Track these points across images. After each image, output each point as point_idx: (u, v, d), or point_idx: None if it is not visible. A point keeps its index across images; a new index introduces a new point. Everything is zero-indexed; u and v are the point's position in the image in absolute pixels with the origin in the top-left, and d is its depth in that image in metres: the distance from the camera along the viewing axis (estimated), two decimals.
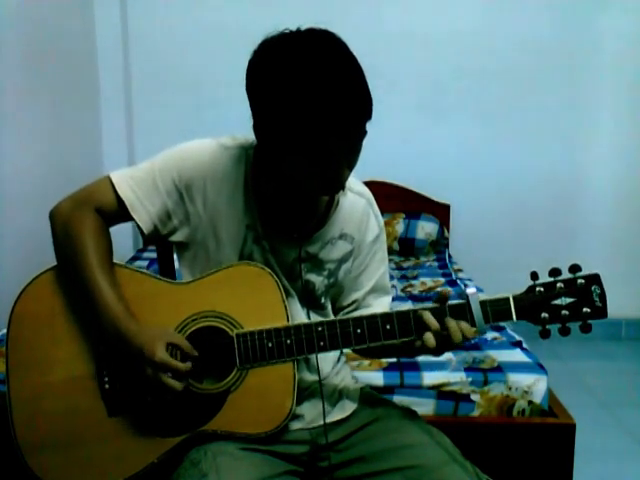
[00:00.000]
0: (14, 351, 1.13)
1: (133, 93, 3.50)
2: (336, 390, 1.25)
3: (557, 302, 1.05)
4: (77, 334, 1.13)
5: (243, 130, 1.13)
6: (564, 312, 1.05)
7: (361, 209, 1.23)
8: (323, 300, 1.23)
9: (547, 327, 1.06)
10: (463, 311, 1.06)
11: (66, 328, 1.13)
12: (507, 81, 3.43)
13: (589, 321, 1.05)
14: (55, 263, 1.15)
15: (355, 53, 0.99)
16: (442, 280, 2.88)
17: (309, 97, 0.93)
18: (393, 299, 1.33)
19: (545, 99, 3.44)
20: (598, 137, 3.48)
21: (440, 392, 1.71)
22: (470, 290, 1.07)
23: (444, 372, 1.74)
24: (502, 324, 2.10)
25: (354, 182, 1.23)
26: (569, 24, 3.38)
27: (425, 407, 1.68)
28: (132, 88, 3.50)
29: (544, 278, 1.06)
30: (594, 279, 1.05)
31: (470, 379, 1.72)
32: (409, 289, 2.75)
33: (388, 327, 1.08)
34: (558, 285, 1.05)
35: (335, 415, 1.23)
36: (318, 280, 1.20)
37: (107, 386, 1.11)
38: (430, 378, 1.72)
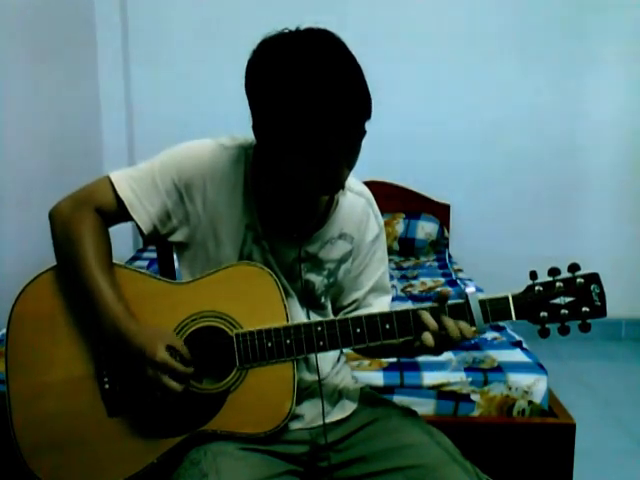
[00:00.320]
0: (14, 351, 1.13)
1: (133, 93, 3.50)
2: (336, 390, 1.25)
3: (556, 301, 1.05)
4: (77, 334, 1.13)
5: (242, 129, 1.13)
6: (563, 311, 1.05)
7: (361, 209, 1.23)
8: (323, 300, 1.23)
9: (546, 326, 1.06)
10: (462, 311, 1.06)
11: (66, 328, 1.13)
12: (505, 77, 3.44)
13: (588, 320, 1.05)
14: (55, 263, 1.15)
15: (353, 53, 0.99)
16: (442, 280, 2.88)
17: (308, 96, 0.93)
18: (393, 299, 1.33)
19: (545, 98, 3.45)
20: (598, 134, 3.48)
21: (440, 392, 1.71)
22: (469, 289, 1.07)
23: (444, 372, 1.74)
24: (502, 324, 2.10)
25: (354, 182, 1.23)
26: None
27: (425, 407, 1.68)
28: (132, 88, 3.50)
29: (543, 277, 1.06)
30: (593, 278, 1.05)
31: (470, 379, 1.72)
32: (409, 289, 2.75)
33: (387, 327, 1.08)
34: (557, 284, 1.05)
35: (335, 415, 1.23)
36: (318, 280, 1.20)
37: (107, 386, 1.11)
38: (430, 378, 1.72)
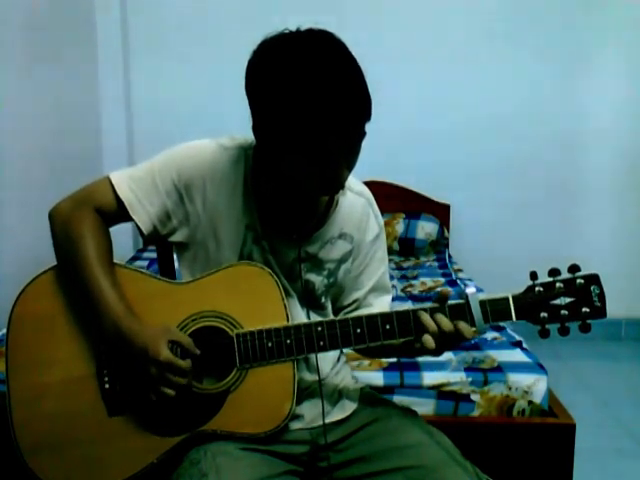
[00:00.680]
0: (14, 351, 1.13)
1: (133, 93, 3.50)
2: (336, 390, 1.25)
3: (556, 302, 1.05)
4: (77, 334, 1.13)
5: (242, 129, 1.13)
6: (563, 312, 1.05)
7: (361, 209, 1.23)
8: (323, 300, 1.23)
9: (546, 327, 1.06)
10: (462, 311, 1.06)
11: (66, 328, 1.13)
12: (506, 76, 3.44)
13: (588, 321, 1.05)
14: (55, 263, 1.15)
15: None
16: (442, 280, 2.88)
17: (308, 95, 0.93)
18: (393, 299, 1.33)
19: (545, 97, 3.45)
20: (599, 134, 3.48)
21: (440, 392, 1.71)
22: (470, 290, 1.07)
23: (444, 372, 1.74)
24: (502, 324, 2.10)
25: (354, 182, 1.23)
26: None
27: (425, 407, 1.68)
28: (132, 88, 3.50)
29: (543, 278, 1.06)
30: (593, 279, 1.05)
31: (470, 379, 1.72)
32: (409, 289, 2.75)
33: (388, 327, 1.08)
34: (557, 285, 1.05)
35: (335, 415, 1.23)
36: (318, 280, 1.20)
37: (107, 386, 1.11)
38: (430, 378, 1.72)
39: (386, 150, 3.15)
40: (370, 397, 1.29)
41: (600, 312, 1.05)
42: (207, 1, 3.43)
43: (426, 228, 3.43)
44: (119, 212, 1.13)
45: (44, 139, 2.81)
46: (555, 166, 3.52)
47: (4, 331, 1.15)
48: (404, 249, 3.41)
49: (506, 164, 3.50)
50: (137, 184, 1.12)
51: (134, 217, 1.13)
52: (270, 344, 1.09)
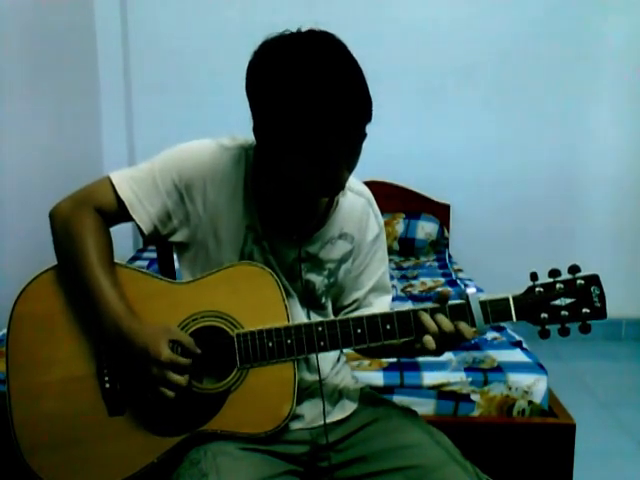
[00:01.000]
0: (14, 351, 1.13)
1: (133, 94, 3.50)
2: (336, 390, 1.25)
3: (557, 303, 1.05)
4: (77, 333, 1.13)
5: (242, 129, 1.13)
6: (563, 313, 1.05)
7: (361, 209, 1.23)
8: (323, 300, 1.23)
9: (546, 327, 1.06)
10: (463, 311, 1.06)
11: (66, 327, 1.13)
12: (505, 75, 3.44)
13: (588, 322, 1.05)
14: (55, 263, 1.15)
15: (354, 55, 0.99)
16: (442, 280, 2.88)
17: (309, 96, 0.93)
18: (393, 299, 1.33)
19: (545, 96, 3.45)
20: (599, 134, 3.48)
21: (440, 392, 1.71)
22: (470, 290, 1.07)
23: (444, 372, 1.74)
24: (502, 324, 2.10)
25: (354, 182, 1.23)
26: (566, 10, 3.37)
27: (425, 407, 1.68)
28: (132, 88, 3.50)
29: (544, 279, 1.06)
30: (593, 280, 1.05)
31: (470, 379, 1.72)
32: (409, 289, 2.75)
33: (388, 327, 1.08)
34: (558, 286, 1.05)
35: (335, 415, 1.23)
36: (318, 280, 1.20)
37: (107, 385, 1.11)
38: (430, 378, 1.72)
39: (386, 150, 3.15)
40: (370, 397, 1.29)
41: (600, 313, 1.05)
42: (208, 1, 3.42)
43: (426, 228, 3.43)
44: (119, 212, 1.13)
45: (44, 139, 2.81)
46: (555, 166, 3.51)
47: (4, 331, 1.14)
48: (404, 249, 3.41)
49: (506, 164, 3.49)
50: (138, 184, 1.12)
51: (134, 217, 1.13)
52: (271, 344, 1.09)
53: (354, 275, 1.25)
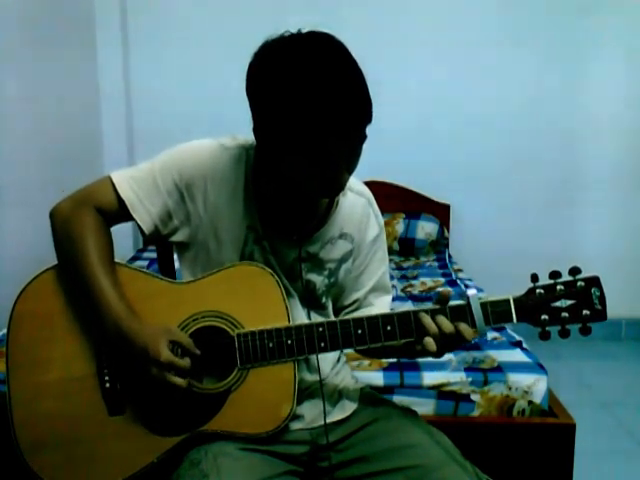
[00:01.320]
0: (14, 351, 1.13)
1: (134, 94, 3.50)
2: (336, 390, 1.25)
3: (557, 304, 1.05)
4: (78, 333, 1.13)
5: (242, 129, 1.13)
6: (564, 314, 1.05)
7: (361, 209, 1.23)
8: (324, 300, 1.23)
9: (547, 329, 1.06)
10: (463, 312, 1.06)
11: (66, 327, 1.13)
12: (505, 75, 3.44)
13: (589, 323, 1.05)
14: (55, 262, 1.15)
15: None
16: (442, 280, 2.88)
17: (309, 96, 0.93)
18: (393, 299, 1.33)
19: (546, 96, 3.45)
20: (599, 134, 3.49)
21: (440, 392, 1.71)
22: (471, 291, 1.07)
23: (444, 372, 1.74)
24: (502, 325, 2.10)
25: (354, 182, 1.23)
26: None
27: (425, 407, 1.68)
28: (132, 88, 3.50)
29: (544, 280, 1.06)
30: (594, 281, 1.05)
31: (470, 379, 1.72)
32: (409, 289, 2.75)
33: (389, 328, 1.08)
34: (558, 287, 1.05)
35: (335, 415, 1.23)
36: (319, 280, 1.20)
37: (108, 385, 1.11)
38: (430, 378, 1.72)
39: (386, 150, 3.15)
40: (370, 397, 1.29)
41: (601, 315, 1.05)
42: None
43: (426, 228, 3.43)
44: (120, 212, 1.13)
45: (44, 139, 2.81)
46: (556, 166, 3.52)
47: (4, 330, 1.14)
48: (404, 249, 3.41)
49: (506, 164, 3.49)
50: (138, 184, 1.12)
51: (135, 217, 1.13)
52: (271, 344, 1.09)
53: (354, 275, 1.25)
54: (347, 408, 1.25)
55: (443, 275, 2.99)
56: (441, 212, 3.54)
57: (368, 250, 1.25)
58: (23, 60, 2.64)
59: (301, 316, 1.18)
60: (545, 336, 1.06)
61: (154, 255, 1.55)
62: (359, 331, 1.09)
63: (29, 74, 2.69)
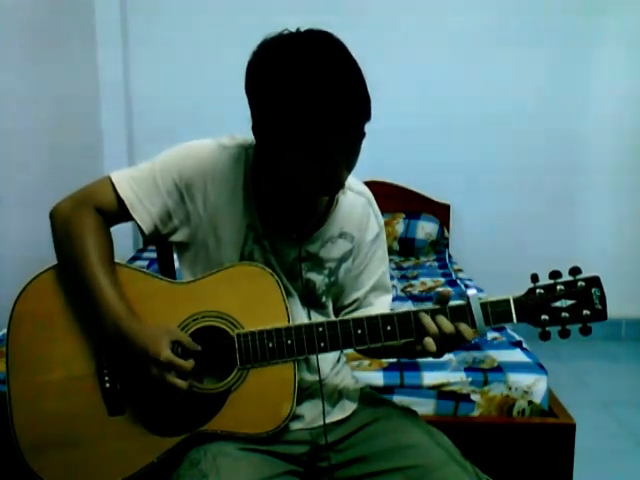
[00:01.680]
0: (14, 351, 1.13)
1: (134, 94, 3.50)
2: (336, 390, 1.25)
3: (557, 304, 1.05)
4: (78, 333, 1.13)
5: (242, 128, 1.13)
6: (564, 314, 1.04)
7: (361, 208, 1.23)
8: (324, 299, 1.23)
9: (547, 329, 1.05)
10: (463, 312, 1.06)
11: (66, 327, 1.13)
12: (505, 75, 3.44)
13: (589, 324, 1.05)
14: (55, 262, 1.15)
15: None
16: (442, 280, 2.88)
17: (308, 94, 0.93)
18: (393, 299, 1.33)
19: (545, 97, 3.45)
20: (599, 134, 3.49)
21: (440, 392, 1.71)
22: (471, 292, 1.07)
23: (444, 372, 1.74)
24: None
25: (354, 181, 1.23)
26: None
27: (425, 407, 1.68)
28: (132, 88, 3.50)
29: (544, 280, 1.05)
30: (594, 281, 1.05)
31: (470, 379, 1.72)
32: (409, 289, 2.75)
33: (389, 328, 1.08)
34: (558, 287, 1.05)
35: (335, 415, 1.23)
36: (319, 279, 1.20)
37: (108, 385, 1.11)
38: (430, 378, 1.72)
39: (386, 150, 3.15)
40: (370, 397, 1.29)
41: (601, 315, 1.04)
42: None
43: (426, 228, 3.43)
44: (120, 212, 1.13)
45: (44, 139, 2.81)
46: (556, 166, 3.51)
47: (4, 330, 1.14)
48: (404, 249, 3.41)
49: (506, 164, 3.49)
50: (138, 184, 1.12)
51: (135, 216, 1.13)
52: (271, 344, 1.09)
53: (354, 274, 1.25)
54: (347, 408, 1.25)
55: (443, 275, 2.99)
56: (441, 212, 3.54)
57: (368, 249, 1.25)
58: (23, 60, 2.64)
59: (301, 315, 1.18)
60: (545, 336, 1.06)
61: (154, 255, 1.55)
62: (359, 331, 1.09)
63: (29, 74, 2.69)
